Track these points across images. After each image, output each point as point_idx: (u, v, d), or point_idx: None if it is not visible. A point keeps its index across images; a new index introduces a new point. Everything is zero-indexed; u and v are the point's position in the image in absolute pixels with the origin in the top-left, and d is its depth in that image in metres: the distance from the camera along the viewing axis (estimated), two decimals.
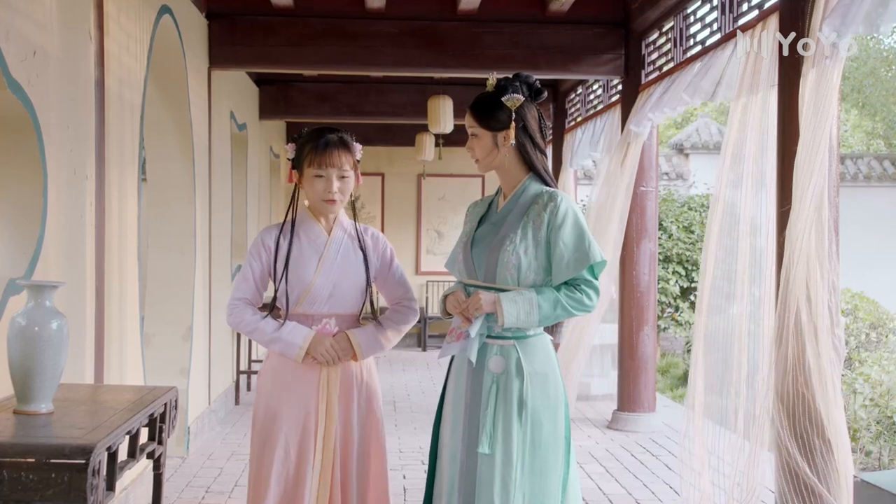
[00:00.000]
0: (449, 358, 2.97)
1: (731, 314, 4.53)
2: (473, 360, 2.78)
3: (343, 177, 2.97)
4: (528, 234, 2.79)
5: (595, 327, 6.97)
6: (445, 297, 2.93)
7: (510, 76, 2.87)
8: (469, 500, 2.75)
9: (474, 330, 2.77)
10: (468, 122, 2.92)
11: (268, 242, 3.02)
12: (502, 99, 2.82)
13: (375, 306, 3.12)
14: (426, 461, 3.99)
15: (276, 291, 3.02)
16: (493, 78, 2.88)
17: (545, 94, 2.92)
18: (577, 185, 9.30)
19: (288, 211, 3.07)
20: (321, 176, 2.95)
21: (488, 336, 2.81)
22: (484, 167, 2.93)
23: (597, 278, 2.83)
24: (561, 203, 2.79)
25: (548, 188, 2.87)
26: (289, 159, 3.06)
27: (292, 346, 2.92)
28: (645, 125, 6.32)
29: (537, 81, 2.90)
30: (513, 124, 2.82)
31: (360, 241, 3.08)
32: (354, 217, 3.14)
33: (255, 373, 8.14)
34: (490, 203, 3.01)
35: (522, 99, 2.83)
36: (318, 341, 2.94)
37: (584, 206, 11.56)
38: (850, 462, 3.73)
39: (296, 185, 3.06)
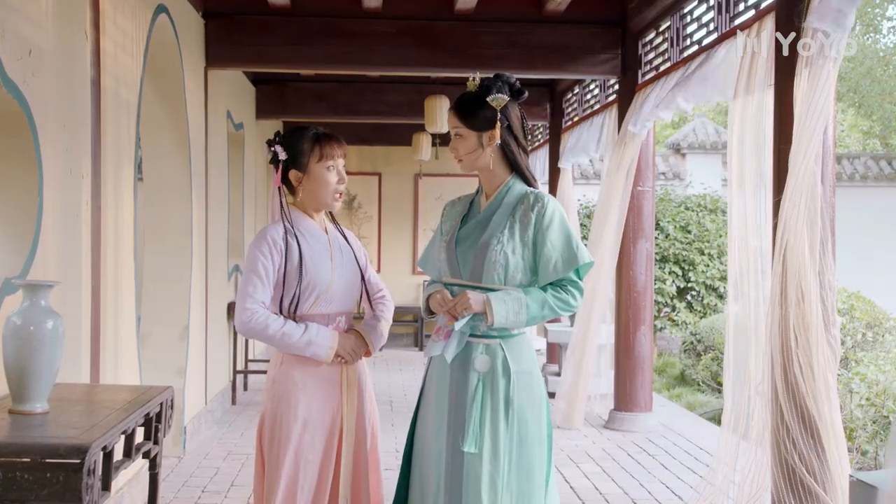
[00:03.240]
0: (428, 358, 2.97)
1: (733, 314, 4.53)
2: (449, 359, 2.78)
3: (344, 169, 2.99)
4: (516, 234, 2.79)
5: (598, 327, 6.96)
6: (429, 296, 2.92)
7: (492, 76, 2.87)
8: (456, 500, 2.74)
9: (458, 325, 2.76)
10: (452, 122, 2.91)
11: (278, 242, 2.88)
12: (487, 99, 2.81)
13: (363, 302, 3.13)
14: None
15: (287, 293, 2.87)
16: (476, 78, 2.87)
17: (525, 94, 2.91)
18: (573, 185, 9.28)
19: (281, 210, 2.94)
20: (333, 168, 2.93)
21: (473, 335, 2.81)
22: (467, 167, 2.91)
23: (581, 279, 2.85)
24: (548, 204, 2.81)
25: (533, 189, 2.88)
26: (280, 161, 2.92)
27: (323, 348, 2.87)
28: (642, 125, 6.32)
29: (518, 82, 2.89)
30: (498, 124, 2.82)
31: (345, 238, 3.09)
32: (333, 220, 3.12)
33: (252, 372, 8.13)
34: (471, 202, 3.00)
35: (507, 99, 2.83)
36: (346, 339, 2.93)
37: (581, 205, 11.59)
38: (846, 461, 3.74)
39: (279, 186, 2.95)
